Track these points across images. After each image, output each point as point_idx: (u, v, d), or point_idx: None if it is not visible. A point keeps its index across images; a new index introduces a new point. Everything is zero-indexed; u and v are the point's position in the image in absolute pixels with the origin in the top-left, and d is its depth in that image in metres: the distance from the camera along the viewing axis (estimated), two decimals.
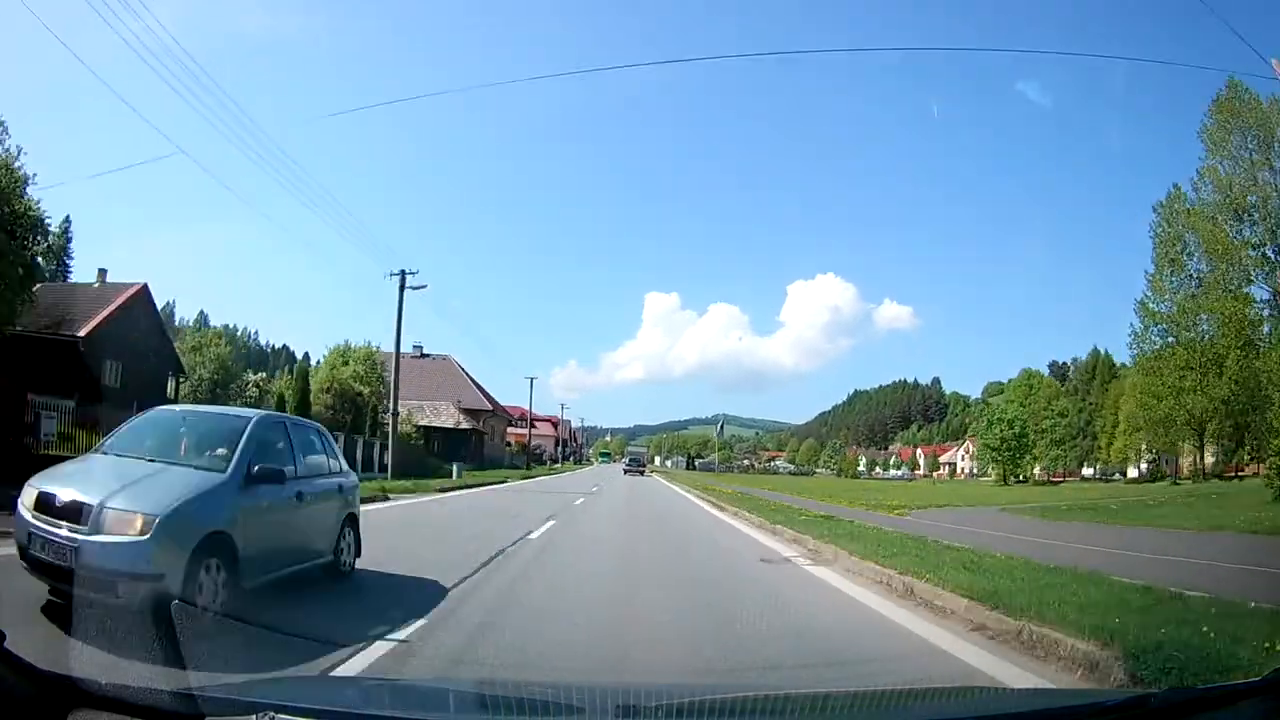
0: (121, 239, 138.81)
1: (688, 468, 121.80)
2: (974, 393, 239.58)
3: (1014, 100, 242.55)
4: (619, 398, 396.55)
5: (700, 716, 2.72)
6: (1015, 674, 4.88)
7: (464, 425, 49.33)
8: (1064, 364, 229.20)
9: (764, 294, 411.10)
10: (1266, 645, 4.67)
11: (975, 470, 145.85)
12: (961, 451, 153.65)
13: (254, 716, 1.92)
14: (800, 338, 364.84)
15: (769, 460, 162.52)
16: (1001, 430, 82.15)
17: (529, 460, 63.26)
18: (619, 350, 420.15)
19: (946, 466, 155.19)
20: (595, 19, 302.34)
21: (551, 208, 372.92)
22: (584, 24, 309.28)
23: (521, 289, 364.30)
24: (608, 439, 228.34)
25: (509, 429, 76.75)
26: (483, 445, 53.50)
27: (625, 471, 69.56)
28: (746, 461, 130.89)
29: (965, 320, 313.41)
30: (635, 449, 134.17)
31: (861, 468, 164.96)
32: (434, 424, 50.56)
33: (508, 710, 2.76)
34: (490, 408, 54.14)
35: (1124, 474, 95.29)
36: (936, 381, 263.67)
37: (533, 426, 77.46)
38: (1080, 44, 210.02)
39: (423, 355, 60.13)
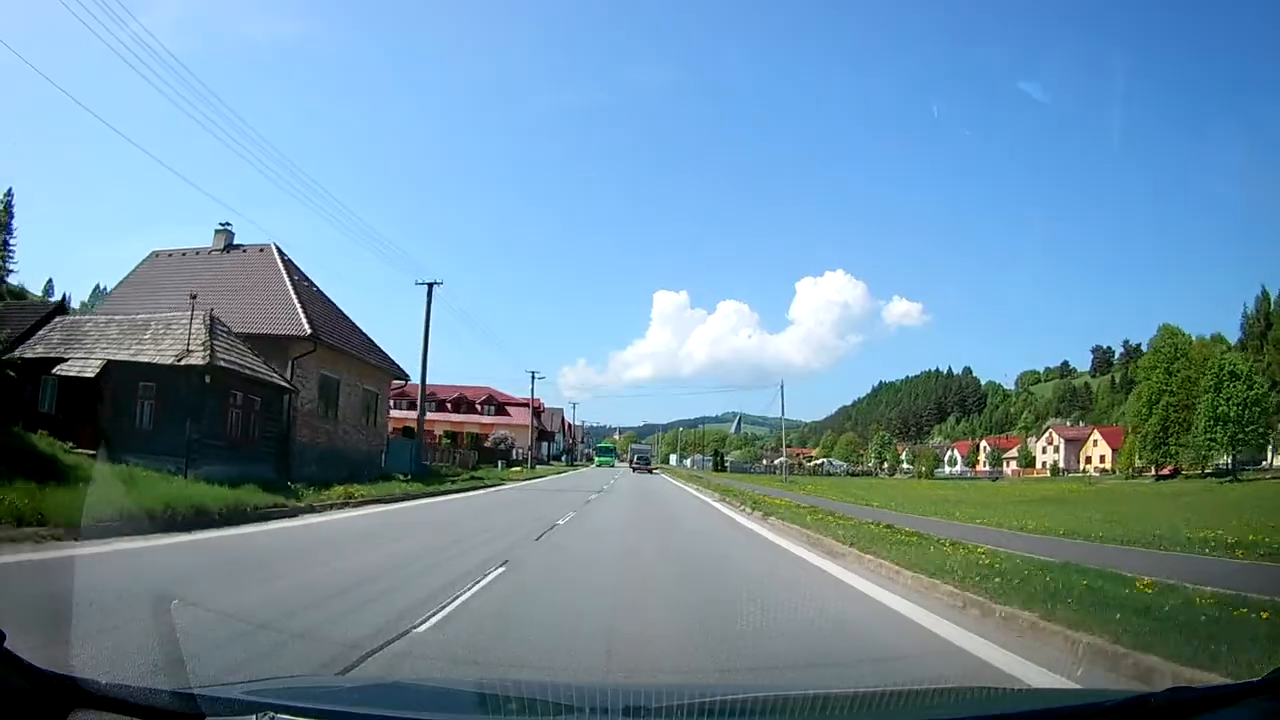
0: None
1: (716, 468, 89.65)
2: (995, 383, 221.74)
3: (1016, 98, 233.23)
4: (628, 397, 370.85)
5: (702, 717, 2.54)
6: None
7: (195, 361, 17.77)
8: (1108, 348, 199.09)
9: (773, 291, 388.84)
10: None
11: (1064, 464, 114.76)
12: (1043, 442, 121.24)
13: (254, 717, 1.82)
14: (810, 335, 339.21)
15: (808, 458, 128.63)
16: (1239, 392, 49.50)
17: (420, 459, 30.65)
18: (628, 349, 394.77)
19: (1009, 460, 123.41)
20: (604, 20, 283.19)
21: (559, 207, 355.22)
22: (593, 25, 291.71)
23: (528, 289, 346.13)
24: (616, 436, 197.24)
25: (426, 403, 44.49)
26: (286, 417, 21.53)
27: (634, 469, 65.70)
28: (783, 459, 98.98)
29: (976, 315, 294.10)
30: (640, 447, 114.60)
31: (907, 465, 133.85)
32: (139, 359, 18.88)
33: (508, 710, 2.63)
34: (308, 333, 22.04)
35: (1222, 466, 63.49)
36: (968, 371, 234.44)
37: (444, 402, 45.32)
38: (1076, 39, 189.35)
39: (231, 247, 28.30)
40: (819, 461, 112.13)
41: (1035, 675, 4.54)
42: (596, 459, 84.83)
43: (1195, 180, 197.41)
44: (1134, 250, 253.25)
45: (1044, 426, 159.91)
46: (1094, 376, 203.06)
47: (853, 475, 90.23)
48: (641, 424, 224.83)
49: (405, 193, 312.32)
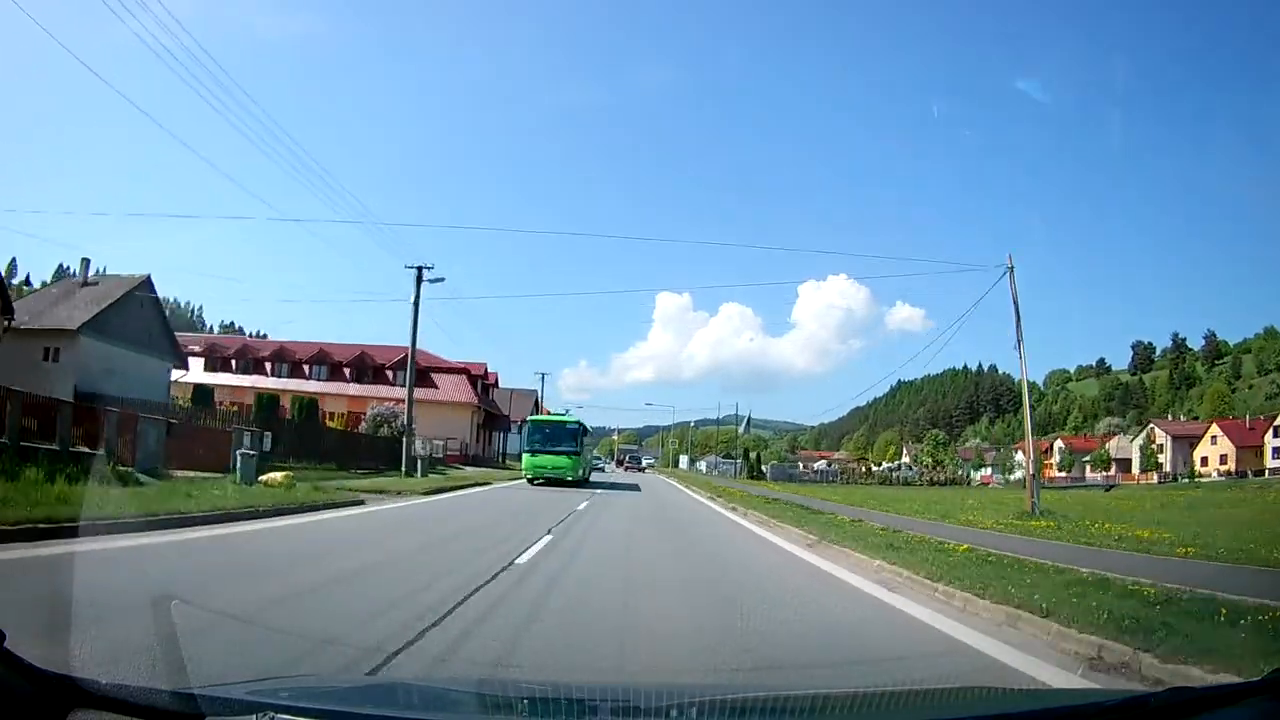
0: None
1: (752, 475, 63.15)
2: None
3: (1015, 98, 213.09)
4: (629, 398, 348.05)
5: (700, 717, 2.47)
6: None
7: None
8: (1149, 344, 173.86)
9: (775, 294, 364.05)
10: None
11: (1170, 465, 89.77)
12: (1142, 440, 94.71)
13: (254, 717, 1.76)
14: (812, 338, 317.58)
15: (849, 462, 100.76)
16: None
17: None
18: (629, 351, 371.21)
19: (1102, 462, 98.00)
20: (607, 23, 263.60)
21: (560, 206, 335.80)
22: (593, 25, 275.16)
23: (532, 288, 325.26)
24: (614, 436, 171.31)
25: None
26: None
27: (625, 469, 64.53)
28: (824, 463, 71.12)
29: (979, 319, 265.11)
30: (629, 447, 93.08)
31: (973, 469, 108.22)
32: None
33: (508, 710, 2.54)
34: None
35: None
36: (994, 368, 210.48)
37: None
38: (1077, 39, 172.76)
39: None
40: (892, 465, 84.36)
41: (1037, 674, 4.15)
42: (528, 461, 29.47)
43: (1201, 180, 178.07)
44: (1148, 249, 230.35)
45: (1098, 426, 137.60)
46: (1134, 374, 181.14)
47: (936, 484, 65.00)
48: (642, 425, 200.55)
49: (406, 192, 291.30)
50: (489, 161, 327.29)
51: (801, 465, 77.05)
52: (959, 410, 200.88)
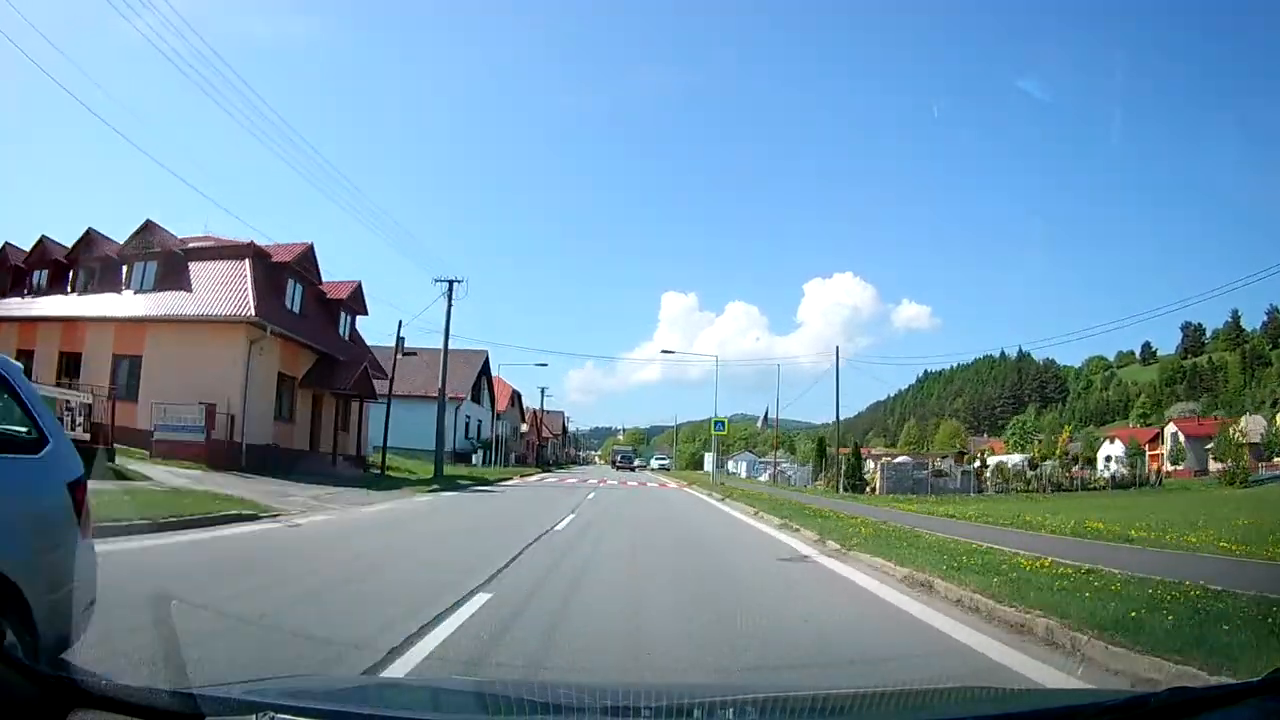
0: None
1: (852, 486, 34.49)
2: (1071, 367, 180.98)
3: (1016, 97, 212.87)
4: (635, 401, 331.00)
5: (698, 717, 2.44)
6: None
7: None
8: (1199, 325, 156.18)
9: (781, 293, 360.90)
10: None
11: None
12: None
13: (254, 717, 1.73)
14: (819, 336, 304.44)
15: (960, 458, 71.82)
16: None
17: None
18: (635, 351, 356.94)
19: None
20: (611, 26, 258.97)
21: (566, 207, 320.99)
22: (602, 28, 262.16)
23: (534, 288, 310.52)
24: (619, 436, 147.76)
25: None
26: None
27: (617, 468, 60.57)
28: (937, 462, 42.93)
29: (986, 314, 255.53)
30: (622, 447, 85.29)
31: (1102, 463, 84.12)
32: None
33: (507, 711, 2.45)
34: None
35: None
36: (1029, 355, 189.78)
37: None
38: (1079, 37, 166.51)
39: None
40: (1090, 464, 56.26)
41: (1037, 675, 4.13)
42: None
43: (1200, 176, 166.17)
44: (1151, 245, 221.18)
45: (1168, 412, 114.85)
46: (1184, 357, 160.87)
47: (1123, 487, 40.53)
48: (649, 425, 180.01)
49: (408, 194, 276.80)
50: (490, 164, 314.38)
51: (930, 464, 46.30)
52: (1001, 399, 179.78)
